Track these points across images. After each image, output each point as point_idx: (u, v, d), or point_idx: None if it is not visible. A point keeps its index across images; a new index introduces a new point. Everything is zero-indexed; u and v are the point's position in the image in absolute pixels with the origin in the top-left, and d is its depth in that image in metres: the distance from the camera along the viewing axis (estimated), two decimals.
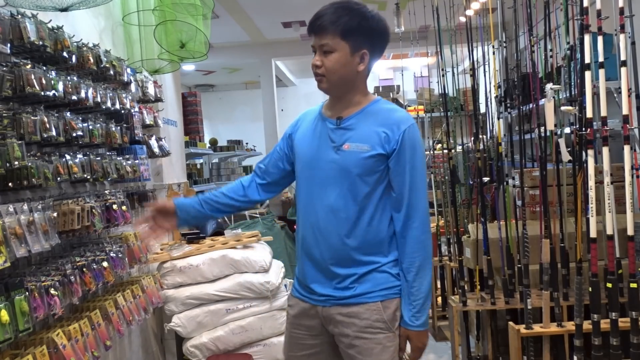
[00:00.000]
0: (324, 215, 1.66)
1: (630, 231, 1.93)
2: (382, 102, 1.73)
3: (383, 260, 1.66)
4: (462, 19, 3.52)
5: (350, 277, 1.65)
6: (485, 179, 3.01)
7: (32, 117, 1.84)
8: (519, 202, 2.99)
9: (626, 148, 1.92)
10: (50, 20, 2.03)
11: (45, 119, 1.90)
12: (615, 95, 2.96)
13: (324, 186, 1.66)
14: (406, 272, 1.65)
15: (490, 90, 3.42)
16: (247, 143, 8.31)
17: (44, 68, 1.92)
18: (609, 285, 1.96)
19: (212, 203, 1.82)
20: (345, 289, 1.66)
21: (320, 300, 1.69)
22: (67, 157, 2.04)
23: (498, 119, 3.25)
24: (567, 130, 2.89)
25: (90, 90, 2.22)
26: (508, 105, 4.23)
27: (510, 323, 2.47)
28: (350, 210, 1.64)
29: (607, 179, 2.04)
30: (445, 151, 3.70)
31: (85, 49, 2.23)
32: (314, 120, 1.75)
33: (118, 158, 2.47)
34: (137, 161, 2.64)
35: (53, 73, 1.96)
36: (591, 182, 1.97)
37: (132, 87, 2.77)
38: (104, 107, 2.34)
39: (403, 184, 1.63)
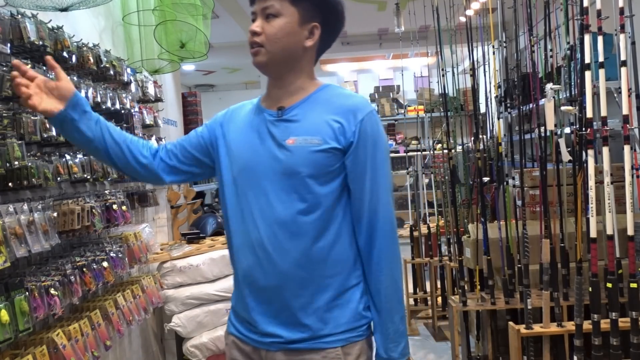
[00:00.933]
0: (268, 231, 1.31)
1: (630, 231, 1.93)
2: (333, 87, 1.42)
3: (347, 285, 1.34)
4: (462, 19, 3.52)
5: (304, 311, 1.31)
6: (486, 179, 3.01)
7: (32, 117, 1.84)
8: (519, 202, 2.99)
9: (626, 148, 1.92)
10: (50, 20, 2.03)
11: (45, 119, 1.90)
12: (615, 95, 2.96)
13: (266, 194, 1.31)
14: (374, 294, 1.35)
15: (490, 90, 3.42)
16: None
17: (44, 68, 1.92)
18: (609, 285, 1.96)
19: (109, 132, 1.41)
20: (298, 328, 1.31)
21: (265, 343, 1.34)
22: (67, 157, 2.04)
23: (498, 119, 3.25)
24: (567, 130, 2.89)
25: (91, 90, 2.22)
26: (508, 105, 4.23)
27: (510, 323, 2.47)
28: (302, 223, 1.30)
29: (607, 179, 2.04)
30: (445, 151, 3.70)
31: (85, 49, 2.23)
32: (249, 114, 1.42)
33: None
34: None
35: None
36: (591, 182, 1.97)
37: (132, 87, 2.77)
38: (104, 107, 2.34)
39: (363, 187, 1.33)
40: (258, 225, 1.32)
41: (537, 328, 2.37)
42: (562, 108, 2.34)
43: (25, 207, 1.71)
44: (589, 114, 2.06)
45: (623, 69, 2.00)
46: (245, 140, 1.38)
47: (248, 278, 1.36)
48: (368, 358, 1.38)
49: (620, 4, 2.07)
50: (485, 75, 3.54)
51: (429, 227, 4.34)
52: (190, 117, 5.21)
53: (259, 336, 1.35)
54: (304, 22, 1.34)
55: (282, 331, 1.32)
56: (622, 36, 2.04)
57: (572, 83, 2.62)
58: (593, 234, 1.96)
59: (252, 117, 1.40)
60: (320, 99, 1.37)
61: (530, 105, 3.20)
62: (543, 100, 2.34)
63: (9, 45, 1.76)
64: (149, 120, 2.98)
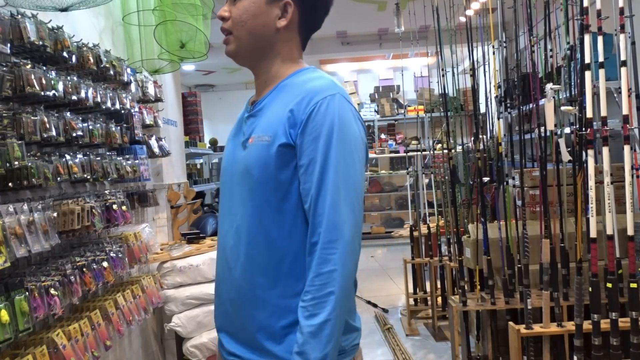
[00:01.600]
0: (230, 239, 1.18)
1: (630, 231, 1.93)
2: (307, 71, 1.20)
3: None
4: (462, 19, 3.52)
5: (260, 332, 1.13)
6: (486, 179, 3.01)
7: (32, 117, 1.84)
8: (519, 202, 2.99)
9: (626, 148, 1.92)
10: (50, 20, 2.03)
11: (45, 119, 1.90)
12: (615, 95, 2.96)
13: (232, 198, 1.18)
14: (300, 311, 1.07)
15: (490, 90, 3.42)
16: None
17: (44, 68, 1.92)
18: (609, 285, 1.96)
19: None
20: (254, 348, 1.14)
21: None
22: (67, 157, 2.04)
23: (498, 119, 3.25)
24: (567, 130, 2.89)
25: (90, 90, 2.22)
26: (508, 105, 4.23)
27: (510, 323, 2.47)
28: (255, 234, 1.13)
29: (607, 179, 2.04)
30: (445, 151, 3.70)
31: (85, 49, 2.23)
32: (241, 112, 1.30)
33: (118, 158, 2.47)
34: (137, 161, 2.64)
35: (53, 73, 1.96)
36: (591, 182, 1.97)
37: (132, 87, 2.77)
38: (104, 107, 2.34)
39: (309, 188, 1.07)
40: (225, 232, 1.20)
41: (537, 328, 2.37)
42: (562, 108, 2.34)
43: (25, 207, 1.71)
44: (589, 114, 2.06)
45: (623, 69, 2.00)
46: (229, 139, 1.28)
47: (216, 286, 1.25)
48: None
49: (620, 4, 2.07)
50: (485, 75, 3.54)
51: (429, 227, 4.34)
52: (190, 117, 5.22)
53: (225, 352, 1.22)
54: (272, 0, 1.17)
55: (241, 350, 1.17)
56: (622, 36, 2.04)
57: (572, 83, 2.62)
58: (593, 234, 1.96)
59: (242, 114, 1.28)
60: (287, 86, 1.17)
61: (530, 105, 3.20)
62: (543, 100, 2.34)
63: (9, 45, 1.76)
64: (149, 120, 2.98)
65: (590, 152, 2.04)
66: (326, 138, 1.07)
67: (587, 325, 2.11)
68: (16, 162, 1.66)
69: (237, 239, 1.16)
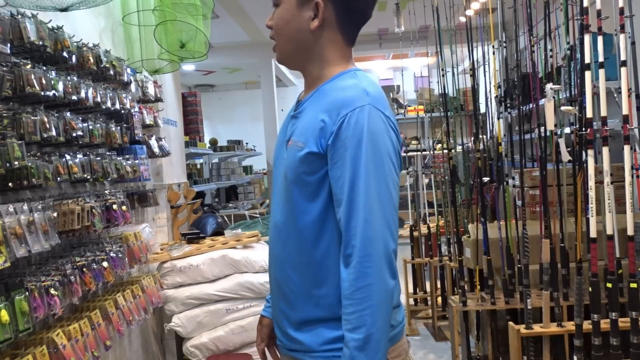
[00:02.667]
0: (272, 234, 1.28)
1: (630, 231, 1.93)
2: (346, 77, 1.20)
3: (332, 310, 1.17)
4: (462, 19, 3.52)
5: (293, 321, 1.23)
6: (486, 179, 3.01)
7: (32, 117, 1.84)
8: (519, 202, 2.99)
9: (626, 148, 1.92)
10: (50, 20, 2.03)
11: (45, 119, 1.90)
12: (615, 95, 2.96)
13: (275, 197, 1.27)
14: (344, 324, 1.12)
15: (490, 90, 3.42)
16: (247, 143, 8.32)
17: (44, 68, 1.92)
18: (609, 285, 1.96)
19: None
20: (288, 336, 1.26)
21: (279, 341, 1.32)
22: (67, 157, 2.04)
23: (498, 119, 3.25)
24: (567, 130, 2.89)
25: (90, 90, 2.22)
26: (508, 105, 4.23)
27: (510, 323, 2.47)
28: (289, 233, 1.21)
29: (607, 179, 2.04)
30: (445, 151, 3.70)
31: (85, 49, 2.23)
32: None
33: (118, 158, 2.47)
34: (137, 161, 2.64)
35: (53, 73, 1.96)
36: (591, 182, 1.97)
37: (132, 87, 2.77)
38: (104, 107, 2.34)
39: (341, 200, 1.11)
40: (271, 227, 1.29)
41: (537, 328, 2.37)
42: (562, 108, 2.34)
43: (25, 207, 1.71)
44: (589, 114, 2.06)
45: (623, 69, 2.00)
46: (279, 134, 1.33)
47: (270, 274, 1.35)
48: None
49: (620, 4, 2.07)
50: (485, 75, 3.54)
51: (429, 227, 4.34)
52: (190, 117, 5.22)
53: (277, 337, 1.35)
54: (303, 3, 1.18)
55: (281, 336, 1.30)
56: (622, 36, 2.04)
57: (572, 83, 2.62)
58: (593, 234, 1.96)
59: (290, 110, 1.31)
60: (325, 91, 1.19)
61: (530, 106, 3.20)
62: (543, 100, 2.34)
63: (9, 45, 1.76)
64: (149, 120, 2.98)
65: (590, 152, 2.04)
66: (355, 151, 1.09)
67: (587, 325, 2.11)
68: (16, 162, 1.66)
69: (275, 233, 1.25)
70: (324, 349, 1.19)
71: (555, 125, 2.50)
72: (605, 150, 1.98)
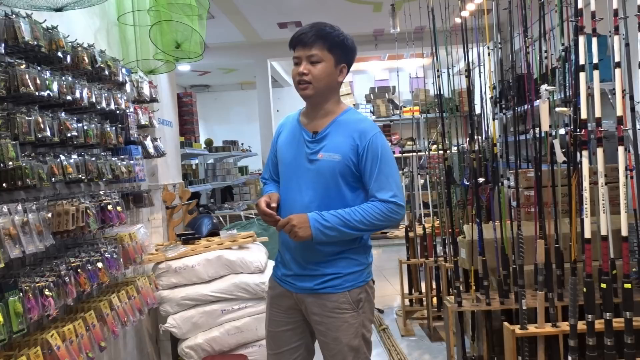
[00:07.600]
0: (299, 212, 1.86)
1: (624, 232, 1.94)
2: (352, 112, 1.98)
3: (352, 246, 1.90)
4: (458, 20, 3.53)
5: (319, 269, 1.89)
6: (481, 180, 3.02)
7: (27, 117, 1.83)
8: (514, 203, 2.99)
9: (620, 149, 1.93)
10: (45, 20, 2.03)
11: (40, 119, 1.89)
12: (609, 96, 2.98)
13: (300, 188, 1.91)
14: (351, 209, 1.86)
15: (485, 91, 3.43)
16: (242, 144, 8.31)
17: (39, 68, 1.92)
18: (603, 285, 1.96)
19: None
20: (315, 279, 1.89)
21: (295, 287, 1.94)
22: (62, 157, 2.03)
23: (493, 119, 3.26)
24: (562, 131, 2.90)
25: (85, 91, 2.21)
26: (503, 106, 4.23)
27: (505, 323, 2.48)
28: (324, 204, 1.87)
29: (601, 180, 2.04)
30: (441, 152, 3.70)
31: (80, 49, 2.23)
32: (293, 127, 2.00)
33: (113, 158, 2.46)
34: (132, 162, 2.64)
35: (48, 73, 1.95)
36: (585, 183, 1.98)
37: (127, 87, 2.76)
38: (98, 107, 2.34)
39: (371, 176, 1.87)
40: (294, 208, 1.89)
41: (531, 328, 2.38)
42: (557, 109, 2.35)
43: (20, 207, 1.71)
44: (584, 115, 2.06)
45: (617, 71, 2.01)
46: (290, 149, 1.97)
47: (285, 242, 1.97)
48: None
49: (615, 6, 2.07)
50: (480, 76, 3.55)
51: (424, 228, 4.34)
52: (186, 117, 5.21)
53: (290, 284, 1.99)
54: (338, 64, 1.91)
55: (305, 283, 1.93)
56: (616, 38, 2.05)
57: (567, 84, 2.63)
58: (587, 234, 1.96)
59: (295, 127, 1.99)
60: (343, 122, 1.92)
61: (525, 107, 3.21)
62: (538, 101, 2.35)
63: (3, 45, 1.75)
64: (144, 120, 2.97)
65: (585, 153, 2.04)
66: (379, 158, 1.87)
67: (581, 325, 2.11)
68: (10, 163, 1.66)
69: (306, 211, 1.84)
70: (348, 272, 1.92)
71: (550, 126, 2.50)
72: (599, 151, 1.99)
